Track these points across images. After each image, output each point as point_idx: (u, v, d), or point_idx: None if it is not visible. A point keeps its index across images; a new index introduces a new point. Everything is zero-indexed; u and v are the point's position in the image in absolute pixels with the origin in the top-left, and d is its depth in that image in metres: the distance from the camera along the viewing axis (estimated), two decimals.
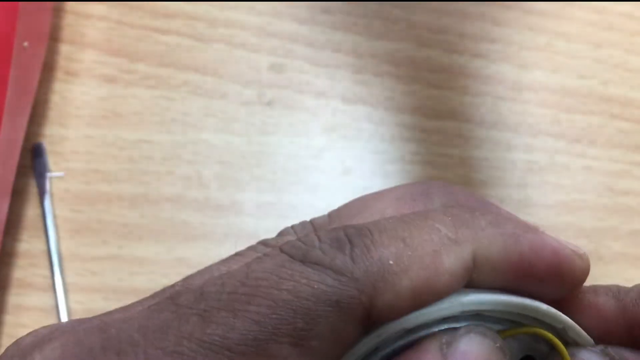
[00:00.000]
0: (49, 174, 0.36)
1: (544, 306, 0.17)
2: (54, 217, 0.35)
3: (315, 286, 0.15)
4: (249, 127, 0.38)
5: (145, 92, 0.38)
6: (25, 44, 0.32)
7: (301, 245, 0.15)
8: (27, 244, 0.35)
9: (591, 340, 0.17)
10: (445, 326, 0.16)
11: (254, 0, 0.40)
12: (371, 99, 0.39)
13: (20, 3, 0.31)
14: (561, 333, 0.17)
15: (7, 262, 0.35)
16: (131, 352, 0.14)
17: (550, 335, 0.17)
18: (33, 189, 0.36)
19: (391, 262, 0.15)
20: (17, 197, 0.35)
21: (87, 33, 0.38)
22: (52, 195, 0.36)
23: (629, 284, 0.40)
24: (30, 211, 0.36)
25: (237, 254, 0.19)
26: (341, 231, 0.16)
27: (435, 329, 0.16)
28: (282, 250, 0.15)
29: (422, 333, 0.16)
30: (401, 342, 0.16)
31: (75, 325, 0.15)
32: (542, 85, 0.40)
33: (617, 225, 0.38)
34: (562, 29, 0.41)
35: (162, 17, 0.39)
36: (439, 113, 0.39)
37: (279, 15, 0.40)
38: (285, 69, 0.39)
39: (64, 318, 0.34)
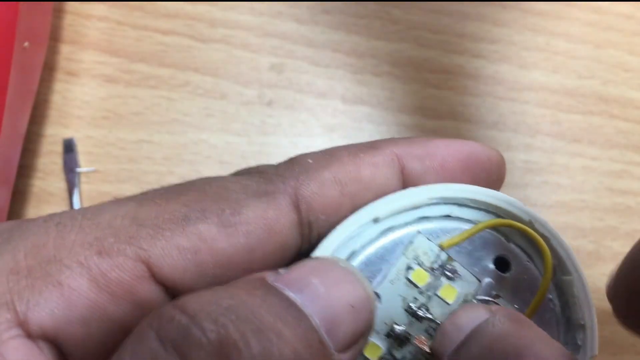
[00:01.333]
0: (78, 169, 0.36)
1: (511, 198, 0.18)
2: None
3: (244, 183, 0.17)
4: (249, 127, 0.38)
5: (146, 92, 0.38)
6: (26, 44, 0.32)
7: (247, 169, 0.18)
8: None
9: (557, 233, 0.18)
10: (420, 226, 0.18)
11: (254, 0, 0.40)
12: (371, 99, 0.39)
13: (21, 3, 0.31)
14: (529, 227, 0.18)
15: None
16: (69, 224, 0.16)
17: (523, 226, 0.18)
18: (33, 189, 0.36)
19: (310, 161, 0.18)
20: (18, 197, 0.35)
21: (88, 33, 0.38)
22: (52, 196, 0.36)
23: None
24: (31, 211, 0.36)
25: None
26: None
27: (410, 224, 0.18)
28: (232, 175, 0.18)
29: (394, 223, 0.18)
30: (374, 235, 0.18)
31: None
32: (542, 85, 0.40)
33: (616, 225, 0.38)
34: (562, 30, 0.41)
35: (163, 18, 0.39)
36: (439, 113, 0.39)
37: (279, 16, 0.40)
38: (285, 69, 0.39)
39: None
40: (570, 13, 0.42)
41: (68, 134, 0.37)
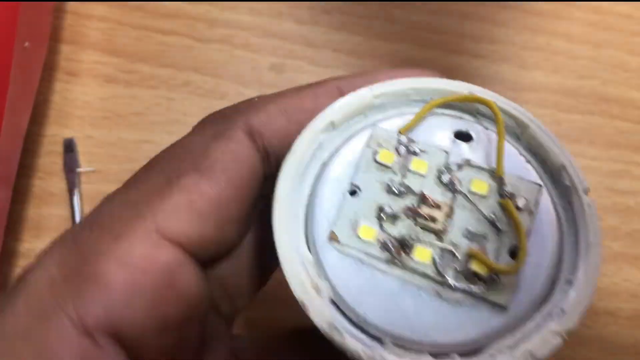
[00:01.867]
0: (78, 169, 0.36)
1: (449, 80, 0.20)
2: (82, 212, 0.35)
3: (200, 133, 0.20)
4: None
5: (146, 92, 0.38)
6: (26, 44, 0.32)
7: (202, 120, 0.21)
8: (28, 244, 0.35)
9: (498, 95, 0.20)
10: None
11: (254, 0, 0.40)
12: None
13: (21, 3, 0.31)
14: (470, 97, 0.20)
15: (9, 262, 0.35)
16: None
17: (465, 95, 0.19)
18: (33, 189, 0.36)
19: (257, 99, 0.20)
20: (18, 197, 0.35)
21: (88, 33, 0.38)
22: (53, 196, 0.36)
23: (629, 284, 0.40)
24: (31, 211, 0.36)
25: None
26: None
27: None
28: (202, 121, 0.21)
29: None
30: (338, 143, 0.19)
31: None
32: (542, 85, 0.40)
33: (616, 225, 0.38)
34: (562, 30, 0.41)
35: (163, 18, 0.39)
36: None
37: (279, 16, 0.40)
38: (285, 70, 0.39)
39: None
40: (570, 13, 0.42)
41: (68, 133, 0.37)
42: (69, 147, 0.36)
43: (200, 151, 0.18)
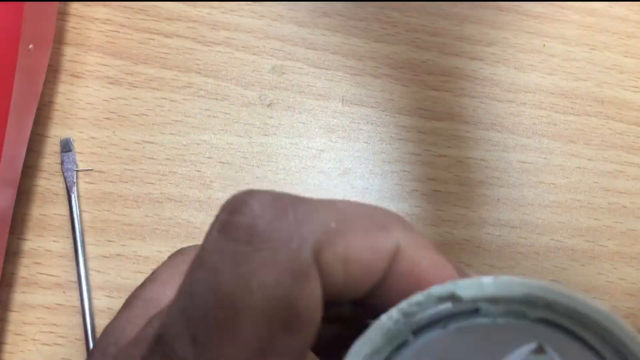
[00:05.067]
0: (76, 169, 0.36)
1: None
2: (80, 212, 0.36)
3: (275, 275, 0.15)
4: (250, 128, 0.38)
5: (149, 94, 0.38)
6: (30, 46, 0.33)
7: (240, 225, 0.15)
8: (32, 243, 0.36)
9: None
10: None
11: (255, 0, 0.40)
12: (370, 100, 0.39)
13: (26, 6, 0.32)
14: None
15: (13, 261, 0.35)
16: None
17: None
18: (38, 188, 0.36)
19: (333, 225, 0.15)
20: (22, 197, 0.36)
21: (92, 36, 0.39)
22: (57, 196, 0.36)
23: (624, 282, 0.40)
24: (35, 211, 0.36)
25: (162, 269, 0.21)
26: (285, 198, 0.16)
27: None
28: (225, 236, 0.15)
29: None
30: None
31: None
32: (538, 87, 0.41)
33: (611, 225, 0.39)
34: (558, 32, 0.42)
35: (165, 21, 0.39)
36: (437, 114, 0.40)
37: (280, 19, 0.40)
38: (286, 71, 0.39)
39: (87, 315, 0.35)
40: (566, 16, 0.42)
41: (72, 135, 0.37)
42: (66, 147, 0.37)
43: (279, 296, 0.15)
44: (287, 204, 0.15)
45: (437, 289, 0.15)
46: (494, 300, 0.15)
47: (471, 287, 0.15)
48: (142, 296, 0.20)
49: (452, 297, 0.15)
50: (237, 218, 0.15)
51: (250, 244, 0.15)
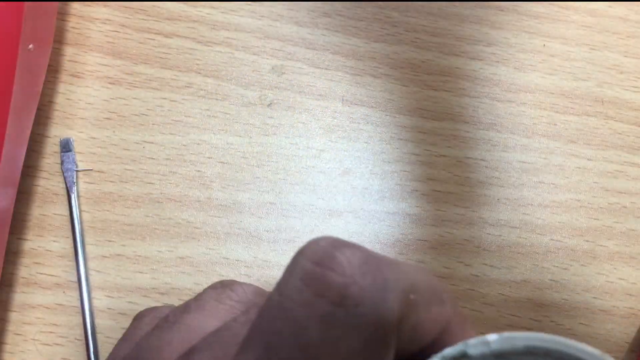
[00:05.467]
0: (76, 169, 0.36)
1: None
2: (80, 212, 0.36)
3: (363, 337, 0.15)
4: (250, 128, 0.38)
5: (149, 94, 0.38)
6: (31, 46, 0.33)
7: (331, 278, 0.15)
8: (32, 243, 0.36)
9: None
10: None
11: (255, 0, 0.40)
12: (370, 100, 0.39)
13: (26, 6, 0.32)
14: None
15: (13, 261, 0.35)
16: None
17: None
18: (38, 188, 0.36)
19: (412, 297, 0.16)
20: (22, 197, 0.36)
21: (92, 36, 0.39)
22: (57, 196, 0.36)
23: (624, 282, 0.40)
24: (35, 211, 0.36)
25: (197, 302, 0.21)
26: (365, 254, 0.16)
27: None
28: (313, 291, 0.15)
29: None
30: None
31: None
32: (538, 87, 0.41)
33: (611, 225, 0.39)
34: (558, 32, 0.42)
35: (165, 21, 0.39)
36: (437, 114, 0.40)
37: (280, 19, 0.40)
38: (286, 71, 0.39)
39: (87, 316, 0.35)
40: (566, 16, 0.42)
41: (72, 135, 0.37)
42: (66, 147, 0.37)
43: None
44: (374, 266, 0.15)
45: (450, 351, 0.16)
46: (499, 355, 0.16)
47: (478, 345, 0.16)
48: (186, 321, 0.20)
49: (464, 356, 0.16)
50: (328, 274, 0.15)
51: (342, 307, 0.14)
